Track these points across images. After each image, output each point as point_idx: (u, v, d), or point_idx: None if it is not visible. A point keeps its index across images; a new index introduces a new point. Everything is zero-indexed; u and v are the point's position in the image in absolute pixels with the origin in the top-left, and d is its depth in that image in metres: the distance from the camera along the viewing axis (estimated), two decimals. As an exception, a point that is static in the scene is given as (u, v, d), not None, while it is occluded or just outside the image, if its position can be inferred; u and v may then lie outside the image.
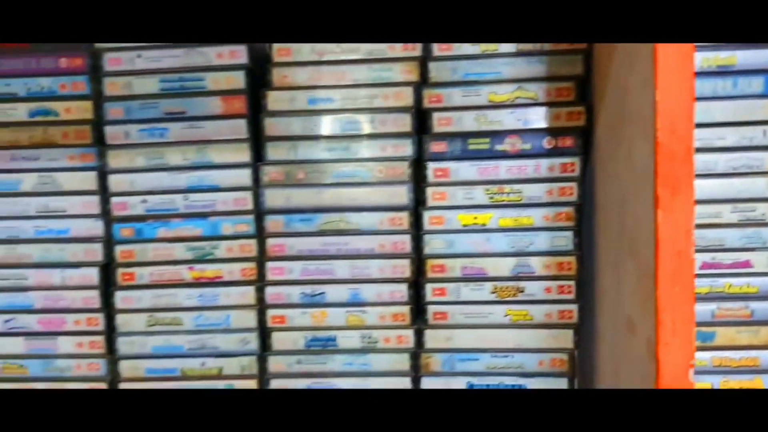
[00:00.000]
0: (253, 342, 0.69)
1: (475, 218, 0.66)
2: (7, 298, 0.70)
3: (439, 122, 0.66)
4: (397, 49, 0.66)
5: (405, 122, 0.66)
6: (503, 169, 0.66)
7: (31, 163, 0.69)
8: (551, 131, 0.65)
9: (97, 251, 0.70)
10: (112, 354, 0.70)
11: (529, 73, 0.65)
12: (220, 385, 0.70)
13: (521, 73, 0.65)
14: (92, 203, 0.69)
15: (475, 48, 0.65)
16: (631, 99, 0.50)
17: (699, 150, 0.54)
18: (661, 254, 0.44)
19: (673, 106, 0.44)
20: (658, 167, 0.44)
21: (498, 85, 0.65)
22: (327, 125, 0.67)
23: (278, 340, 0.69)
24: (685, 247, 0.44)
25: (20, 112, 0.69)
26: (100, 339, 0.70)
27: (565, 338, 0.67)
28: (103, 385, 0.70)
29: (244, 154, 0.68)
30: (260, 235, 0.68)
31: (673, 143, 0.44)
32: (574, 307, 0.66)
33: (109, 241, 0.69)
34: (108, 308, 0.70)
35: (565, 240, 0.66)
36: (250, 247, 0.69)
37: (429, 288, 0.67)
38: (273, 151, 0.68)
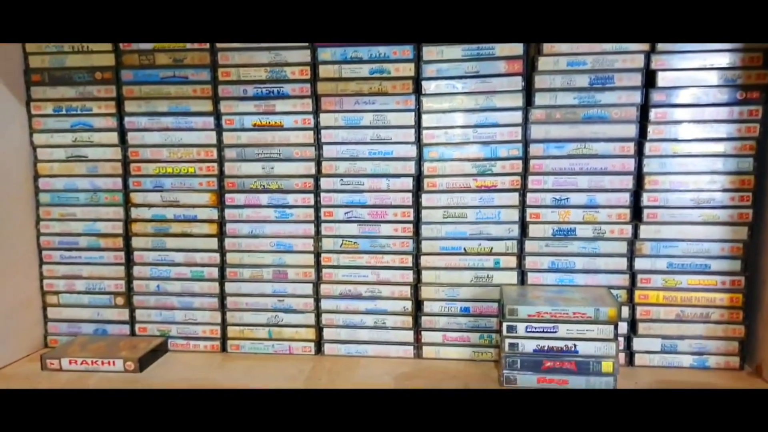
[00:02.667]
0: (515, 230, 1.01)
1: (683, 148, 0.95)
2: (347, 197, 1.04)
3: (663, 79, 0.94)
4: (635, 28, 0.94)
5: (636, 79, 0.95)
6: (706, 113, 0.94)
7: (369, 106, 1.01)
8: (743, 87, 0.92)
9: (411, 167, 1.02)
10: (417, 236, 1.04)
11: (729, 46, 0.92)
12: (490, 259, 1.02)
13: (724, 45, 0.92)
14: (409, 134, 1.01)
15: (692, 27, 0.92)
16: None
17: None
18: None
19: None
20: None
21: (707, 54, 0.92)
22: (580, 80, 0.96)
23: (533, 229, 1.01)
24: None
25: (364, 70, 1.00)
26: (409, 226, 1.03)
27: (741, 232, 0.96)
28: (409, 258, 1.04)
29: (518, 101, 0.98)
30: (525, 157, 0.99)
31: None
32: (750, 211, 0.95)
33: (419, 160, 1.02)
34: (417, 205, 1.03)
35: (747, 164, 0.94)
36: (518, 165, 1.00)
37: (645, 196, 0.97)
38: (539, 99, 0.97)
